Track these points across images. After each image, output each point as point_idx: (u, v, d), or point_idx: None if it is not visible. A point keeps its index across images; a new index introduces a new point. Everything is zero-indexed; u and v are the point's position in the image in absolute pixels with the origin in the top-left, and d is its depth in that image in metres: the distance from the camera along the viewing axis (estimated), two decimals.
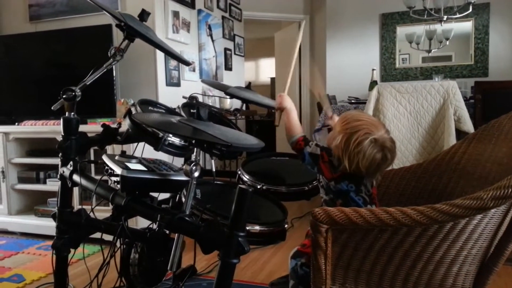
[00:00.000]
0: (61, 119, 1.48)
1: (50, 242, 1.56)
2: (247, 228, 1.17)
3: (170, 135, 1.32)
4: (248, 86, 6.19)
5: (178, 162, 1.50)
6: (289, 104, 1.48)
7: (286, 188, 1.53)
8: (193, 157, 1.34)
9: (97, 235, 1.48)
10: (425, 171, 1.55)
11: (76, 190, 2.77)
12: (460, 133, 2.78)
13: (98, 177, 1.38)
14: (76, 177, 1.43)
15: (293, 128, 1.44)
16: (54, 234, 1.51)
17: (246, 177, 1.54)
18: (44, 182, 3.18)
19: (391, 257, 1.05)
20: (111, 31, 3.02)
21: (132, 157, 1.39)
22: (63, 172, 1.48)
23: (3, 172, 3.14)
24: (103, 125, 1.59)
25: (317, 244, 1.05)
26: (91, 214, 1.48)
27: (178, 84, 3.67)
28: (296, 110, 1.49)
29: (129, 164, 1.30)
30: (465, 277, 1.08)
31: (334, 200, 1.36)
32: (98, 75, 1.50)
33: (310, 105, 5.86)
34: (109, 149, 2.65)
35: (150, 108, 1.61)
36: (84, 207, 1.51)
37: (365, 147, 1.28)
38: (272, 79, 8.48)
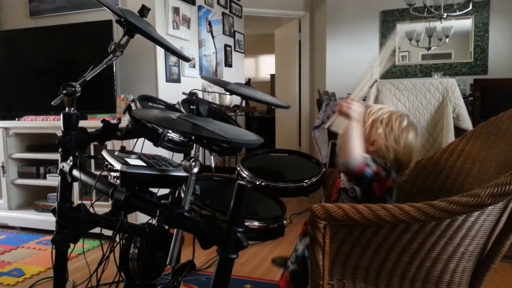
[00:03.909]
0: (61, 115, 1.48)
1: (49, 237, 1.57)
2: (246, 223, 1.17)
3: (170, 131, 1.32)
4: (248, 83, 6.16)
5: (178, 158, 1.51)
6: (358, 115, 1.23)
7: (285, 184, 1.54)
8: (192, 153, 1.35)
9: (97, 230, 1.49)
10: (424, 168, 1.55)
11: (76, 185, 2.78)
12: (458, 131, 2.79)
13: (97, 173, 1.39)
14: (76, 172, 1.43)
15: (355, 146, 1.21)
16: (54, 228, 1.51)
17: (245, 173, 1.54)
18: (44, 177, 3.19)
19: (389, 254, 1.06)
20: (111, 27, 3.02)
21: (131, 152, 1.39)
22: (63, 167, 1.49)
23: (3, 167, 3.14)
24: (103, 121, 1.59)
25: (315, 240, 1.06)
26: (91, 209, 1.48)
27: (178, 80, 3.67)
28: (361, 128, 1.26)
29: (128, 160, 1.30)
30: (462, 274, 1.09)
31: None
32: (98, 71, 1.50)
33: (310, 102, 5.86)
34: (109, 144, 2.66)
35: (150, 104, 1.61)
36: (83, 202, 1.51)
37: (406, 124, 1.31)
38: (272, 76, 8.47)
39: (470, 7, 4.05)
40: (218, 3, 4.56)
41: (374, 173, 1.24)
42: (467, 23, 4.87)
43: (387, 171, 1.29)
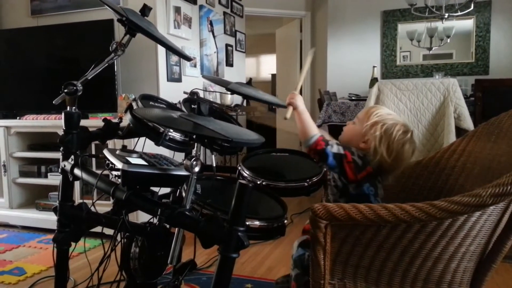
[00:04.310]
0: (63, 114, 1.48)
1: (51, 236, 1.57)
2: (247, 223, 1.17)
3: (171, 130, 1.32)
4: (249, 82, 6.19)
5: (179, 157, 1.51)
6: (301, 104, 1.41)
7: (286, 184, 1.54)
8: (193, 152, 1.34)
9: (98, 229, 1.49)
10: (425, 168, 1.55)
11: (77, 184, 2.78)
12: (460, 131, 2.79)
13: (99, 171, 1.39)
14: (77, 171, 1.43)
15: (308, 128, 1.37)
16: (55, 227, 1.51)
17: (246, 173, 1.54)
18: (46, 176, 3.19)
19: (390, 253, 1.06)
20: (112, 26, 3.03)
21: (133, 151, 1.39)
22: (64, 166, 1.49)
23: (4, 166, 3.15)
24: (104, 120, 1.59)
25: (316, 239, 1.06)
26: (92, 208, 1.49)
27: (179, 80, 3.67)
28: (307, 111, 1.43)
29: (130, 159, 1.30)
30: (463, 274, 1.09)
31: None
32: (100, 70, 1.50)
33: (311, 102, 5.86)
34: (110, 143, 2.66)
35: (151, 103, 1.61)
36: (85, 201, 1.51)
37: (406, 139, 1.31)
38: (273, 76, 8.47)
39: (472, 7, 4.04)
40: (220, 2, 4.56)
41: (338, 154, 1.30)
42: (468, 23, 4.87)
43: (364, 161, 1.31)
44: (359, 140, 1.36)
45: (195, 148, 1.21)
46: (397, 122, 1.33)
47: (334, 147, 1.31)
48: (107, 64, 1.51)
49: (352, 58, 5.37)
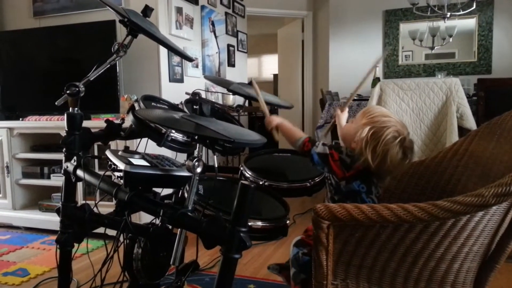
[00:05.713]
0: (65, 115, 1.49)
1: (54, 237, 1.57)
2: (249, 223, 1.17)
3: (173, 131, 1.32)
4: (251, 83, 6.12)
5: (181, 158, 1.51)
6: (275, 121, 1.50)
7: (288, 184, 1.54)
8: (195, 153, 1.35)
9: (101, 230, 1.50)
10: (427, 168, 1.55)
11: (80, 185, 2.79)
12: (462, 130, 2.78)
13: (101, 173, 1.39)
14: (79, 172, 1.43)
15: (293, 134, 1.43)
16: (58, 228, 1.52)
17: (248, 173, 1.55)
18: (48, 177, 3.20)
19: (392, 254, 1.06)
20: (114, 27, 3.03)
21: (135, 152, 1.39)
22: (67, 167, 1.49)
23: (7, 167, 3.16)
24: (107, 121, 1.60)
25: (319, 240, 1.05)
26: (95, 209, 1.49)
27: (181, 80, 3.67)
28: (285, 119, 1.51)
29: (132, 160, 1.31)
30: (466, 274, 1.09)
31: (343, 201, 1.33)
32: (102, 71, 1.51)
33: (313, 102, 5.85)
34: (113, 144, 2.66)
35: (153, 104, 1.62)
36: (87, 202, 1.52)
37: (393, 145, 1.27)
38: (275, 76, 8.47)
39: (474, 7, 4.03)
40: (221, 3, 4.56)
41: (323, 154, 1.33)
42: (470, 23, 4.86)
43: (353, 159, 1.31)
44: (351, 139, 1.35)
45: (197, 149, 1.22)
46: (389, 125, 1.29)
47: (319, 147, 1.34)
48: (109, 65, 1.51)
49: (354, 58, 5.36)
